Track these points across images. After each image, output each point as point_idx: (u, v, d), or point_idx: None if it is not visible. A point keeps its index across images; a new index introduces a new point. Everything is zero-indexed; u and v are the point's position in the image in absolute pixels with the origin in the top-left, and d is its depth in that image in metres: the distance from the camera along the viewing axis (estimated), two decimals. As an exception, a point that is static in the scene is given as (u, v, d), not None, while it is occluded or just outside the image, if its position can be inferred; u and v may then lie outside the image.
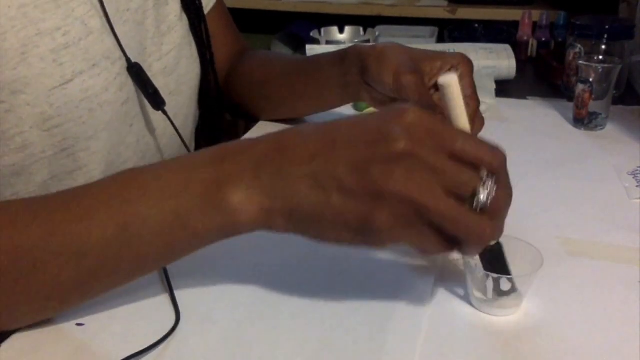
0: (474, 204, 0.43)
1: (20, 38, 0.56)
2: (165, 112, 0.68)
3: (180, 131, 0.71)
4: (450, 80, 0.51)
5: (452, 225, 0.43)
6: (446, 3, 1.66)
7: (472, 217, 0.43)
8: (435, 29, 1.51)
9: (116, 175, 0.50)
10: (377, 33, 1.27)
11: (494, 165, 0.44)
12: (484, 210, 0.43)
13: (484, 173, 0.43)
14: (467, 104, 0.65)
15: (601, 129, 0.89)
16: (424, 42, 1.40)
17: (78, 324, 0.52)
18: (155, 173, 0.49)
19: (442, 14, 1.63)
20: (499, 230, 0.45)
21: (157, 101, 0.67)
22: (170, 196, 0.47)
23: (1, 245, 0.46)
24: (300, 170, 0.44)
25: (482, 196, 0.43)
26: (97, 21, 0.62)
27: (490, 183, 0.43)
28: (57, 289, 0.48)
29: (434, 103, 0.67)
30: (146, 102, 0.68)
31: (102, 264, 0.48)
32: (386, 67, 0.67)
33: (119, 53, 0.64)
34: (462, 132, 0.46)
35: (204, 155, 0.48)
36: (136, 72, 0.66)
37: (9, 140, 0.58)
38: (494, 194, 0.43)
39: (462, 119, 0.52)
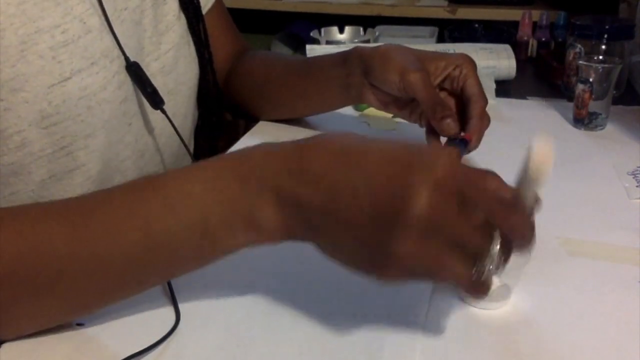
0: (477, 272, 0.42)
1: (19, 35, 0.56)
2: (164, 111, 0.68)
3: (179, 130, 0.71)
4: (548, 158, 0.46)
5: (454, 283, 0.43)
6: (446, 3, 1.66)
7: (472, 285, 0.43)
8: (435, 29, 1.52)
9: (137, 185, 0.49)
10: (377, 33, 1.27)
11: (520, 244, 0.43)
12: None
13: (495, 247, 0.42)
14: (475, 102, 0.67)
15: (601, 129, 0.89)
16: (424, 42, 1.41)
17: (78, 324, 0.52)
18: (178, 186, 0.47)
19: (442, 14, 1.63)
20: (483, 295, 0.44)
21: (156, 100, 0.67)
22: (197, 213, 0.46)
23: (25, 254, 0.46)
24: (317, 207, 0.44)
25: (486, 270, 0.42)
26: (95, 19, 0.62)
27: (498, 257, 0.43)
28: (81, 297, 0.49)
29: (441, 100, 0.68)
30: (145, 101, 0.68)
31: (128, 274, 0.48)
32: (391, 66, 0.68)
33: (117, 52, 0.64)
34: (493, 195, 0.42)
35: (226, 169, 0.47)
36: (135, 70, 0.66)
37: (7, 139, 0.59)
38: (497, 269, 0.43)
39: (531, 196, 0.45)
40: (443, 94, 0.70)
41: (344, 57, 0.76)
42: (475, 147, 0.67)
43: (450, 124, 0.66)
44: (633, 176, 0.76)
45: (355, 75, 0.73)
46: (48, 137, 0.60)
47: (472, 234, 0.41)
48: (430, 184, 0.40)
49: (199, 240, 0.47)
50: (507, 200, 0.42)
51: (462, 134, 0.67)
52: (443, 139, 0.69)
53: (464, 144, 0.66)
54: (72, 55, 0.60)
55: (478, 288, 0.43)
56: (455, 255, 0.41)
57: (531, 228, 0.43)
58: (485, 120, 0.68)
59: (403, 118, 0.75)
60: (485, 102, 0.68)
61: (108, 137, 0.65)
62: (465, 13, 1.61)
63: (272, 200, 0.45)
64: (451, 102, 0.70)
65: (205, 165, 0.48)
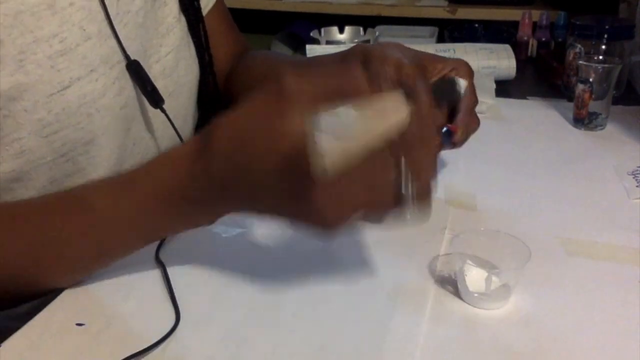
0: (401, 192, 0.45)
1: (17, 45, 0.56)
2: (163, 110, 0.68)
3: (180, 132, 0.71)
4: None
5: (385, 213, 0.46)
6: (446, 3, 1.66)
7: (396, 203, 0.46)
8: (435, 29, 1.51)
9: (67, 200, 0.56)
10: (377, 33, 1.27)
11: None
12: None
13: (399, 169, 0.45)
14: (464, 99, 0.67)
15: (601, 129, 0.89)
16: (424, 42, 1.40)
17: (78, 324, 0.52)
18: (114, 202, 0.54)
19: (442, 14, 1.63)
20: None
21: (155, 99, 0.67)
22: (137, 226, 0.54)
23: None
24: (245, 200, 0.49)
25: (404, 190, 0.45)
26: (94, 26, 0.62)
27: (404, 170, 0.45)
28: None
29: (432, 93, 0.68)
30: (145, 105, 0.68)
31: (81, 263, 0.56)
32: (389, 59, 0.68)
33: (117, 57, 0.64)
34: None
35: (166, 185, 0.52)
36: (135, 68, 0.66)
37: (7, 146, 0.59)
38: (413, 183, 0.45)
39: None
40: None
41: (344, 52, 0.76)
42: (461, 141, 0.67)
43: (437, 114, 0.66)
44: (633, 176, 0.75)
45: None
46: (48, 146, 0.60)
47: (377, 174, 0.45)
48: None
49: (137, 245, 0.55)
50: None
51: (449, 125, 0.67)
52: None
53: (449, 135, 0.66)
54: (71, 63, 0.60)
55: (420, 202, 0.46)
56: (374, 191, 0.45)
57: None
58: (473, 117, 0.68)
59: None
60: (475, 100, 0.68)
61: (109, 143, 0.65)
62: (465, 13, 1.61)
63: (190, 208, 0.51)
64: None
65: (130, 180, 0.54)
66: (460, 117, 0.67)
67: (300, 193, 0.44)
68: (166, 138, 0.74)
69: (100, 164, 0.65)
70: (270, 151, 0.45)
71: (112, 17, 0.63)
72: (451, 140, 0.66)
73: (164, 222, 0.53)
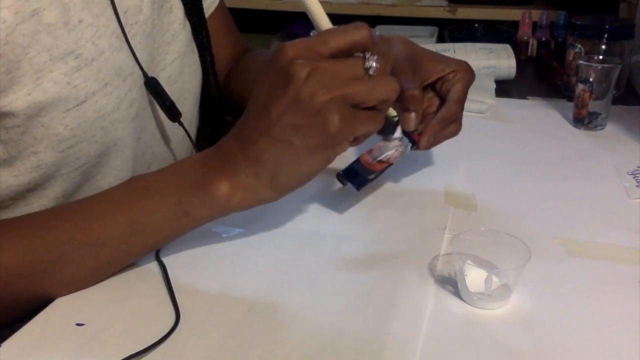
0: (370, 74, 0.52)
1: (33, 64, 0.56)
2: (181, 124, 0.68)
3: (189, 138, 0.72)
4: None
5: (370, 94, 0.51)
6: (446, 3, 1.66)
7: (376, 80, 0.51)
8: (435, 29, 1.52)
9: (122, 183, 0.58)
10: (377, 33, 1.27)
11: (363, 41, 0.51)
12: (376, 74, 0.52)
13: (362, 53, 0.52)
14: (446, 106, 0.68)
15: (601, 129, 0.89)
16: (424, 42, 1.40)
17: (78, 324, 0.52)
18: (155, 177, 0.57)
19: (442, 14, 1.63)
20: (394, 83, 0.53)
21: (173, 113, 0.68)
22: (171, 192, 0.55)
23: (30, 244, 0.54)
24: (257, 139, 0.52)
25: (373, 64, 0.51)
26: (105, 40, 0.62)
27: (369, 55, 0.51)
28: (76, 276, 0.55)
29: (419, 95, 0.67)
30: (155, 114, 0.69)
31: (118, 251, 0.56)
32: (385, 55, 0.68)
33: (129, 69, 0.64)
34: (324, 34, 0.53)
35: (191, 161, 0.58)
36: (153, 85, 0.66)
37: (24, 160, 0.59)
38: (376, 63, 0.52)
39: (322, 20, 0.61)
40: (430, 94, 0.70)
41: None
42: (426, 147, 0.68)
43: (411, 119, 0.66)
44: (633, 176, 0.76)
45: None
46: (63, 160, 0.61)
47: (343, 60, 0.51)
48: (288, 58, 0.50)
49: (175, 216, 0.55)
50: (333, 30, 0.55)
51: (418, 131, 0.67)
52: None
53: (412, 142, 0.67)
54: (87, 79, 0.60)
55: (384, 80, 0.52)
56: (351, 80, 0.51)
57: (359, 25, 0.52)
58: (450, 126, 0.68)
59: None
60: (459, 109, 0.68)
61: (119, 153, 0.66)
62: (465, 13, 1.62)
63: (229, 172, 0.54)
64: (435, 102, 0.70)
65: (175, 162, 0.60)
66: (431, 124, 0.67)
67: (286, 86, 0.50)
68: (174, 144, 0.74)
69: (111, 173, 0.66)
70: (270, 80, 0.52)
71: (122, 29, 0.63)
72: (412, 146, 0.68)
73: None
